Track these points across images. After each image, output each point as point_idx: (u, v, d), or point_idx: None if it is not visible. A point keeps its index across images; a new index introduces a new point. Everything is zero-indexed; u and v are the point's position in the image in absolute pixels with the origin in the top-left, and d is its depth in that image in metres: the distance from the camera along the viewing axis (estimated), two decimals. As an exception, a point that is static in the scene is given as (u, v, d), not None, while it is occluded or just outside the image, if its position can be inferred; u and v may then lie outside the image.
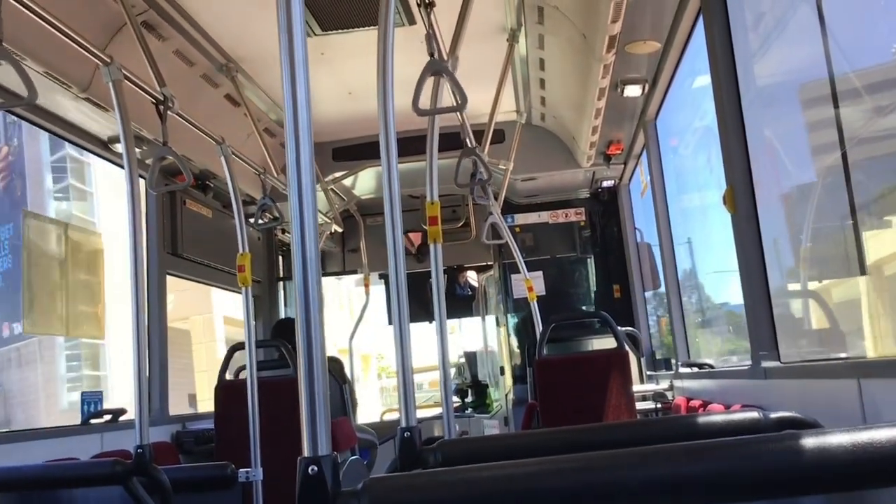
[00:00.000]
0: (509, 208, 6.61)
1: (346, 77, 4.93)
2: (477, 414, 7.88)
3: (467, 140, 3.99)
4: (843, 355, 3.04)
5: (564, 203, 6.85)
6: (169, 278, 4.84)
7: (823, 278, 3.54)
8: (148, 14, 3.75)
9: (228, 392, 4.50)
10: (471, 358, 8.99)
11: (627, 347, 4.74)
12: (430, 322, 7.28)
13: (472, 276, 8.28)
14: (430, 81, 2.85)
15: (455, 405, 7.90)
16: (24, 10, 2.68)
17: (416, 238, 7.40)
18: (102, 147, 4.26)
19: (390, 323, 8.45)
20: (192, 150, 4.63)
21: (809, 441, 1.16)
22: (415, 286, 6.62)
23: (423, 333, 6.93)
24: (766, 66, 3.46)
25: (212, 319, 17.46)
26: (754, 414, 1.94)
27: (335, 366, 5.51)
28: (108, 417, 4.03)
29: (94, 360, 17.73)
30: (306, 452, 1.17)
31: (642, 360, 6.02)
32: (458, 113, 3.32)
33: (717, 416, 2.06)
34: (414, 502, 1.11)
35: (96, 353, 17.36)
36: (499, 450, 2.01)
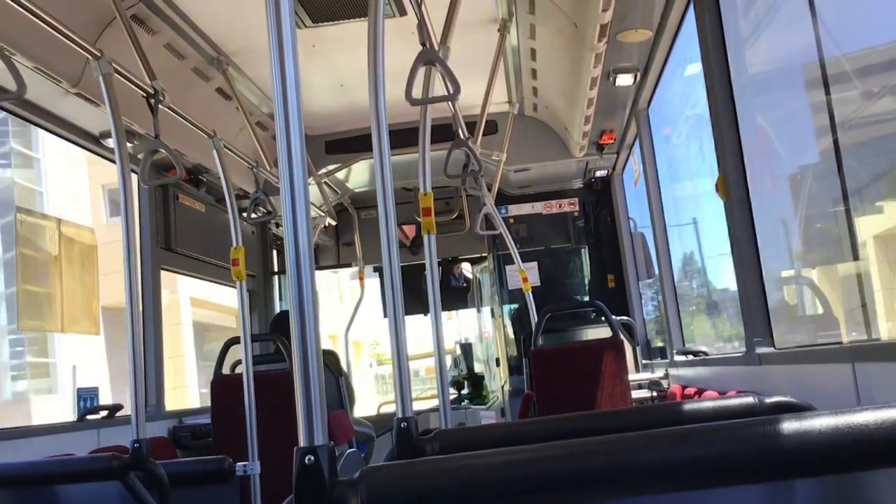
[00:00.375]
0: (503, 199, 6.61)
1: (337, 69, 4.92)
2: (473, 405, 7.89)
3: (459, 131, 3.98)
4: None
5: (558, 193, 6.85)
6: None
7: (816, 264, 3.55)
8: (137, 7, 3.73)
9: (225, 386, 4.50)
10: (466, 350, 9.01)
11: (622, 336, 4.74)
12: (426, 314, 7.28)
13: (466, 268, 8.29)
14: (422, 72, 2.84)
15: (451, 397, 7.91)
16: (13, 4, 2.66)
17: (410, 231, 7.40)
18: (94, 142, 4.24)
19: (385, 316, 8.49)
20: (184, 145, 4.62)
21: (805, 423, 1.17)
22: (409, 278, 6.63)
23: (418, 321, 6.93)
24: (758, 52, 3.46)
25: (177, 300, 16.86)
26: (750, 399, 1.95)
27: (331, 359, 5.51)
28: (104, 413, 4.03)
29: (42, 347, 17.02)
30: (303, 442, 1.17)
31: (637, 348, 6.03)
32: (450, 104, 3.32)
33: (712, 402, 2.07)
34: (412, 490, 1.12)
35: (44, 338, 16.64)
36: (496, 438, 2.01)
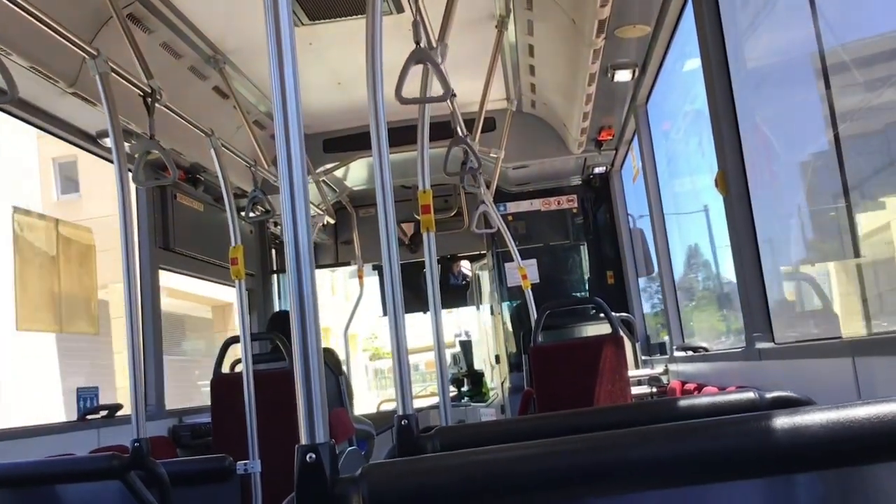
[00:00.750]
0: (501, 196, 6.61)
1: (335, 67, 4.91)
2: (473, 403, 7.90)
3: (457, 129, 3.98)
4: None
5: (556, 190, 6.85)
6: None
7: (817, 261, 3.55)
8: (134, 6, 3.73)
9: (224, 385, 4.50)
10: (466, 347, 9.01)
11: (622, 333, 4.74)
12: (425, 312, 7.28)
13: (465, 266, 8.28)
14: (419, 70, 2.84)
15: (451, 394, 7.91)
16: (8, 3, 2.65)
17: (408, 228, 7.40)
18: (91, 142, 4.23)
19: (385, 314, 8.49)
20: (181, 144, 4.61)
21: (806, 418, 1.17)
22: (408, 276, 6.63)
23: (416, 317, 6.93)
24: (757, 47, 3.45)
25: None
26: (750, 394, 1.95)
27: (331, 357, 5.51)
28: (104, 413, 4.03)
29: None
30: (304, 440, 1.16)
31: (637, 345, 6.03)
32: (447, 101, 3.31)
33: (712, 398, 2.06)
34: (413, 487, 1.11)
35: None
36: (496, 435, 2.01)
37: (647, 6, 3.86)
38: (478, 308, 8.66)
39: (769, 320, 2.97)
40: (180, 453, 4.50)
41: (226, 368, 4.78)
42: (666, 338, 5.51)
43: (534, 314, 5.32)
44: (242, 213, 4.84)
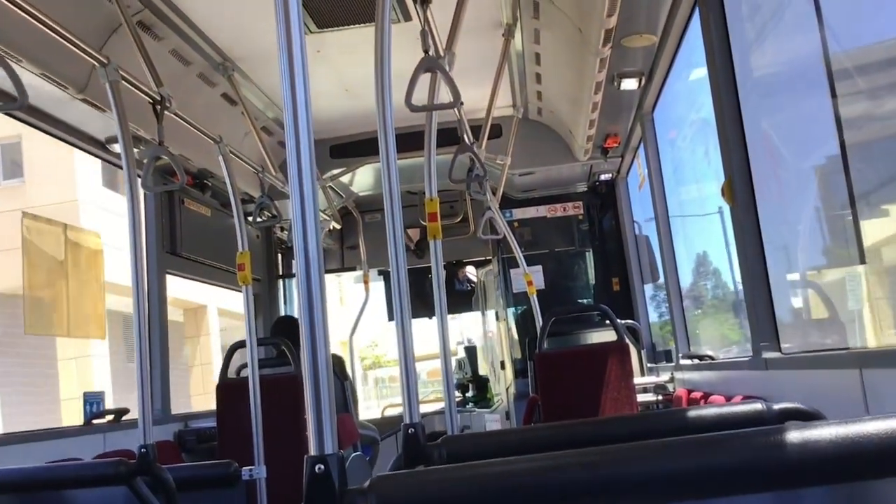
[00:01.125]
0: (507, 203, 6.61)
1: (342, 74, 4.93)
2: (478, 408, 7.89)
3: (464, 136, 3.99)
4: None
5: (562, 197, 6.85)
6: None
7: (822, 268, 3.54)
8: (143, 14, 3.74)
9: (230, 390, 4.50)
10: (471, 353, 9.00)
11: (627, 340, 4.74)
12: (431, 318, 7.29)
13: (471, 272, 8.28)
14: (427, 78, 2.85)
15: (456, 400, 7.90)
16: (19, 11, 2.67)
17: (414, 234, 7.40)
18: (100, 148, 4.26)
19: (391, 319, 8.49)
20: (190, 150, 4.63)
21: (815, 433, 1.17)
22: (414, 282, 6.62)
23: (418, 323, 6.93)
24: (763, 56, 3.46)
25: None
26: (757, 406, 1.95)
27: (336, 363, 5.52)
28: (109, 417, 4.04)
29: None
30: (313, 451, 1.17)
31: (643, 352, 6.02)
32: (454, 108, 3.32)
33: (720, 408, 2.06)
34: (422, 499, 1.12)
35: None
36: (503, 445, 2.01)
37: (653, 15, 3.87)
38: (483, 314, 8.66)
39: (776, 329, 2.97)
40: (185, 458, 4.50)
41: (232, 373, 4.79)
42: (672, 346, 5.51)
43: (539, 320, 5.31)
44: (249, 219, 4.85)
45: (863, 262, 2.94)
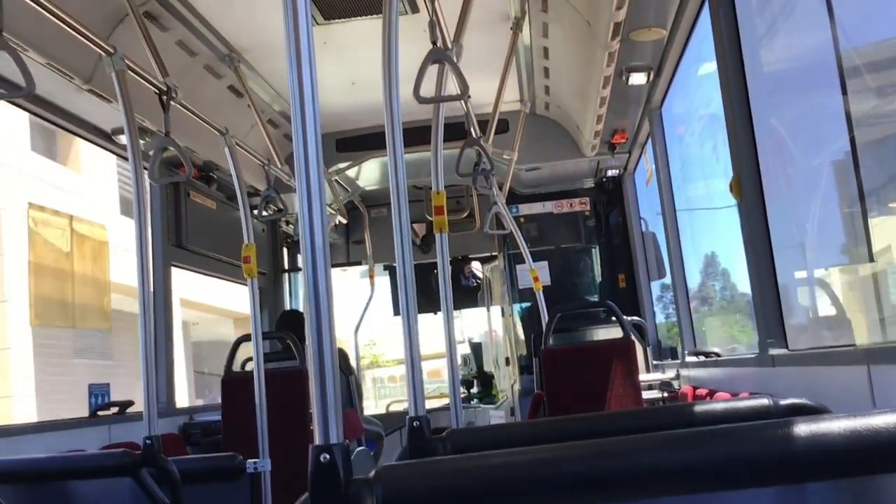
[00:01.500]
0: (514, 198, 6.59)
1: (349, 67, 4.91)
2: (483, 405, 7.88)
3: (471, 130, 3.98)
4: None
5: (569, 193, 6.83)
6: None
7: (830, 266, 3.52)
8: (150, 4, 3.74)
9: (234, 384, 4.51)
10: (476, 349, 8.99)
11: (633, 337, 4.72)
12: (436, 313, 7.28)
13: (476, 267, 8.27)
14: (433, 70, 2.84)
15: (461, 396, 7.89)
16: (26, 0, 2.66)
17: (419, 229, 7.39)
18: (106, 139, 4.26)
19: (396, 314, 8.48)
20: (195, 142, 4.62)
21: (822, 426, 1.16)
22: (419, 278, 6.60)
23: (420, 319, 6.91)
24: (774, 51, 3.43)
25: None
26: (764, 401, 1.93)
27: (341, 357, 5.51)
28: (114, 410, 4.05)
29: None
30: (318, 440, 1.16)
31: (648, 349, 6.01)
32: (461, 102, 3.31)
33: (726, 403, 2.05)
34: (427, 489, 1.11)
35: None
36: (509, 438, 2.00)
37: (662, 9, 3.85)
38: (488, 310, 8.65)
39: (783, 326, 2.95)
40: (190, 451, 4.51)
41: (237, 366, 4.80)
42: (678, 343, 5.49)
43: (545, 317, 5.30)
44: (255, 212, 4.85)
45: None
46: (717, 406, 2.07)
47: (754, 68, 3.14)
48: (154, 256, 4.65)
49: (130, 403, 4.08)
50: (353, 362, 6.45)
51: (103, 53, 3.08)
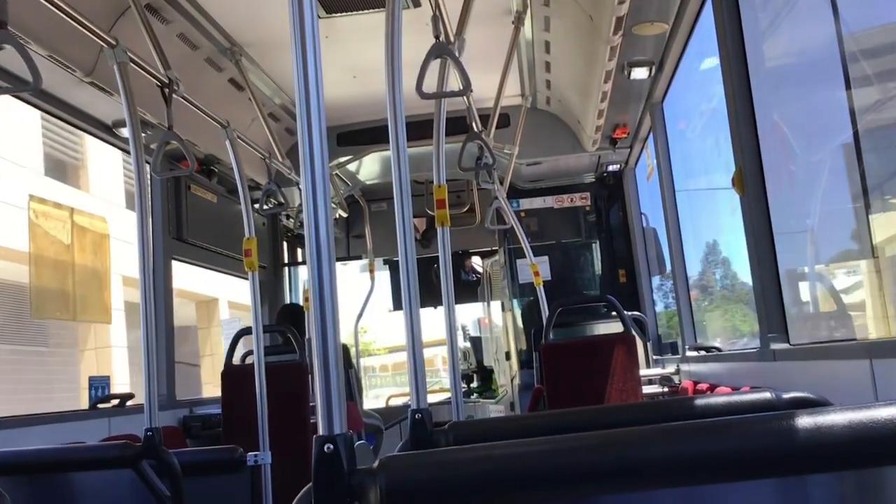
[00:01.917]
0: (514, 193, 6.60)
1: (350, 61, 4.91)
2: (483, 399, 7.89)
3: (473, 124, 3.97)
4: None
5: (570, 188, 6.83)
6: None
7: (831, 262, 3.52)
8: None
9: (235, 377, 4.51)
10: (476, 343, 9.00)
11: (633, 332, 4.72)
12: (436, 307, 7.29)
13: (477, 262, 8.28)
14: (435, 65, 2.83)
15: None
16: None
17: (420, 224, 7.39)
18: (107, 131, 4.25)
19: (397, 308, 8.47)
20: (196, 135, 4.62)
21: (825, 418, 1.16)
22: (419, 272, 6.59)
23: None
24: (776, 46, 3.43)
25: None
26: (767, 395, 1.93)
27: (343, 351, 5.51)
28: (115, 402, 4.05)
29: None
30: (322, 431, 1.16)
31: (648, 344, 6.01)
32: (464, 97, 3.30)
33: (728, 397, 2.05)
34: (431, 479, 1.11)
35: None
36: (510, 431, 2.00)
37: (665, 3, 3.84)
38: (488, 304, 8.65)
39: (784, 320, 2.95)
40: (190, 444, 4.51)
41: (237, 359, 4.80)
42: (678, 338, 5.49)
43: (545, 311, 5.30)
44: (256, 206, 4.84)
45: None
46: (719, 399, 2.07)
47: (757, 62, 3.14)
48: (155, 249, 4.65)
49: (130, 396, 4.09)
50: (353, 357, 6.46)
51: (105, 46, 3.08)
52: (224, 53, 4.47)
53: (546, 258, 6.55)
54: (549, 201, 6.82)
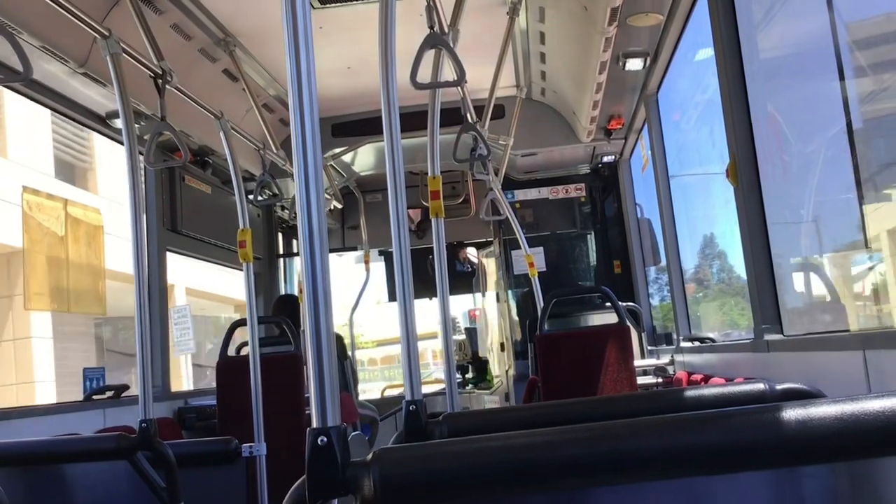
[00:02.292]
0: (509, 184, 6.60)
1: (345, 52, 4.89)
2: (477, 390, 7.90)
3: (468, 115, 3.97)
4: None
5: (565, 179, 6.84)
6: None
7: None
8: None
9: (230, 368, 4.51)
10: (471, 334, 9.01)
11: (628, 322, 4.73)
12: (431, 298, 7.30)
13: (471, 253, 8.28)
14: (429, 55, 2.82)
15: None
16: None
17: (415, 215, 7.39)
18: (100, 122, 4.23)
19: (392, 299, 8.48)
20: (190, 126, 4.60)
21: (819, 410, 1.16)
22: (414, 263, 6.59)
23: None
24: (770, 36, 3.42)
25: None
26: (760, 386, 1.94)
27: (337, 342, 5.52)
28: (110, 394, 4.05)
29: None
30: (315, 423, 1.16)
31: (643, 335, 6.03)
32: (458, 87, 3.30)
33: (722, 388, 2.05)
34: (425, 471, 1.11)
35: None
36: (504, 422, 2.00)
37: (660, -6, 3.83)
38: (483, 295, 8.65)
39: (778, 311, 2.96)
40: (185, 435, 4.52)
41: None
42: (673, 328, 5.51)
43: (540, 302, 5.31)
44: (250, 197, 4.83)
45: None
46: (713, 391, 2.07)
47: (751, 53, 3.14)
48: (149, 241, 4.65)
49: (125, 388, 4.08)
50: (347, 348, 6.46)
51: (98, 37, 3.06)
52: (218, 44, 4.45)
53: (541, 249, 6.56)
54: (544, 192, 6.82)
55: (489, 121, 4.48)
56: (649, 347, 5.95)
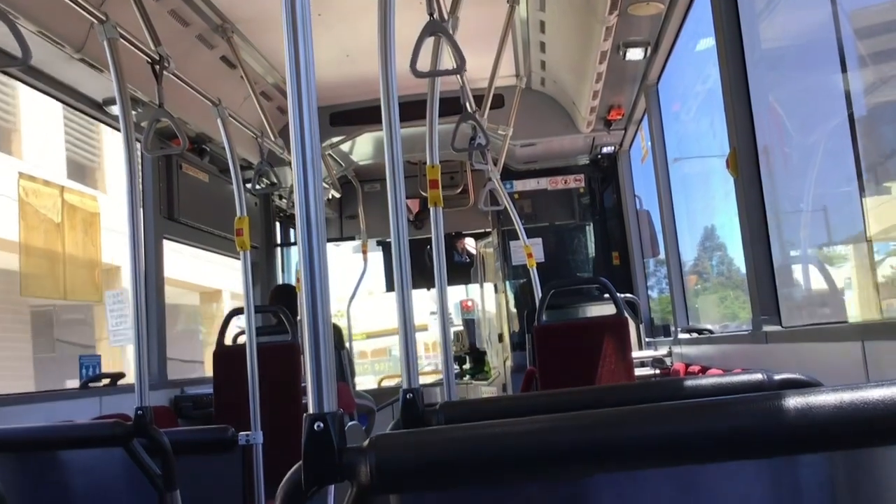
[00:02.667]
0: (508, 174, 6.58)
1: (343, 39, 4.87)
2: (475, 381, 7.91)
3: (467, 104, 3.95)
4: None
5: (564, 169, 6.82)
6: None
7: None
8: None
9: (227, 357, 4.50)
10: (469, 325, 9.01)
11: (626, 314, 4.73)
12: (429, 289, 7.29)
13: (470, 243, 8.27)
14: (429, 44, 2.81)
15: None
16: None
17: (413, 205, 7.38)
18: (97, 109, 4.21)
19: (389, 289, 8.50)
20: (187, 113, 4.58)
21: (817, 398, 1.15)
22: (412, 253, 6.58)
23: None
24: (772, 26, 3.41)
25: None
26: (758, 376, 1.93)
27: (334, 332, 5.51)
28: (106, 381, 4.04)
29: None
30: (312, 409, 1.15)
31: (641, 326, 6.02)
32: (457, 76, 3.28)
33: (720, 378, 2.04)
34: (421, 457, 1.10)
35: None
36: (501, 411, 2.00)
37: (661, -17, 3.81)
38: (481, 286, 8.65)
39: (777, 303, 2.95)
40: (182, 423, 4.51)
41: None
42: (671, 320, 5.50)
43: (538, 293, 5.30)
44: (248, 185, 4.81)
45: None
46: (710, 380, 2.06)
47: (752, 43, 3.12)
48: (146, 229, 4.63)
49: (122, 375, 4.08)
50: (345, 339, 6.46)
51: (95, 21, 3.04)
52: (216, 30, 4.43)
53: (539, 240, 6.55)
54: (542, 183, 6.81)
55: (488, 110, 4.46)
56: (647, 339, 5.95)
